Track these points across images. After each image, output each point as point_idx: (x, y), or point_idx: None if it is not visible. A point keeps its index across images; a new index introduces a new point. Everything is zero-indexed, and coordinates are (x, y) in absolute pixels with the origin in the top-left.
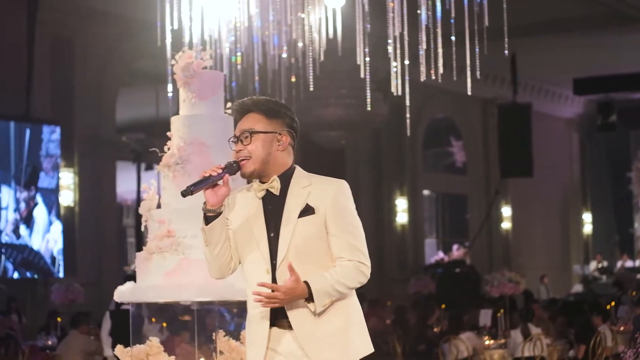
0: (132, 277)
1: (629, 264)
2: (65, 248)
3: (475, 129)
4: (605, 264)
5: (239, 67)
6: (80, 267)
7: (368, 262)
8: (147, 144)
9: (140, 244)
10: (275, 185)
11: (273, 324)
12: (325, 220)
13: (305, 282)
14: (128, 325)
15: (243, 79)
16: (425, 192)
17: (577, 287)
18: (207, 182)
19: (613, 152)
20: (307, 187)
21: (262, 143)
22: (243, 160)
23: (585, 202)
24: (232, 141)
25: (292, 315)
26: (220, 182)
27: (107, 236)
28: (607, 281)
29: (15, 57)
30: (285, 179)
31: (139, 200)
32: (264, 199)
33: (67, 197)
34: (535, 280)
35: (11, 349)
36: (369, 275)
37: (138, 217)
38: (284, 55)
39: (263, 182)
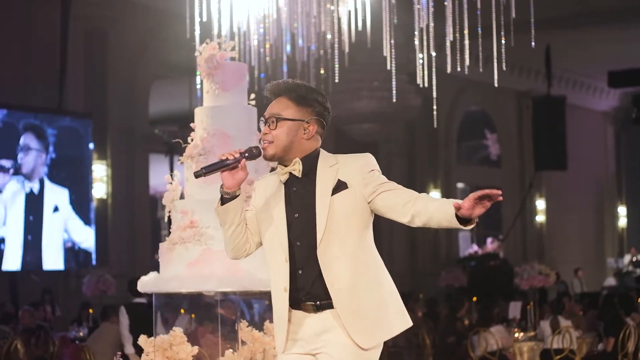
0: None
1: None
2: (97, 240)
3: (509, 122)
4: (636, 257)
5: (267, 59)
6: (112, 259)
7: None
8: (180, 136)
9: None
10: (297, 168)
11: (296, 307)
12: (363, 191)
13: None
14: (145, 319)
15: (271, 71)
16: (459, 184)
17: (610, 281)
18: (220, 166)
19: None
20: (334, 165)
21: (287, 130)
22: (265, 143)
23: (620, 195)
24: (261, 122)
25: (334, 290)
26: (238, 166)
27: (139, 228)
28: None
29: (49, 51)
30: (309, 161)
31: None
32: (287, 182)
33: (100, 190)
34: (569, 274)
35: (41, 339)
36: None
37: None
38: (313, 47)
39: (285, 166)
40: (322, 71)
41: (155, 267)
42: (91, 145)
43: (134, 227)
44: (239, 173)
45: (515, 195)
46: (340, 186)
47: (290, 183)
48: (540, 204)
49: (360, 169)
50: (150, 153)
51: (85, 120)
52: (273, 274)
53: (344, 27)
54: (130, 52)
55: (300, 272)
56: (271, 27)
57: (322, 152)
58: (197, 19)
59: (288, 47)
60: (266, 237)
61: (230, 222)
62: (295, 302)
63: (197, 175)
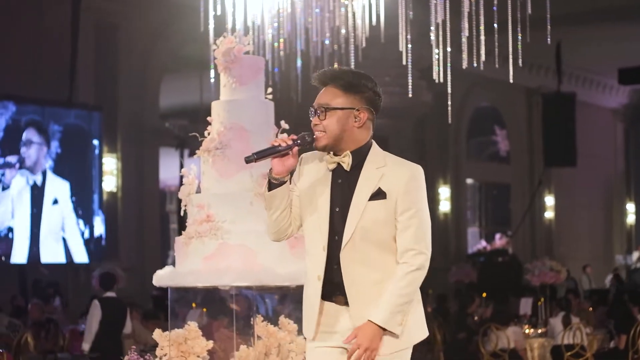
0: None
1: None
2: (107, 233)
3: (519, 118)
4: None
5: (281, 53)
6: (122, 253)
7: (429, 252)
8: (190, 130)
9: (182, 229)
10: (346, 161)
11: (328, 299)
12: (396, 205)
13: (369, 321)
14: (117, 314)
15: (285, 65)
16: (469, 180)
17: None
18: (272, 152)
19: None
20: (381, 167)
21: (338, 119)
22: (318, 134)
23: (629, 192)
24: (311, 112)
25: (351, 294)
26: (289, 153)
27: (149, 222)
28: None
29: (60, 44)
30: (359, 155)
31: (181, 185)
32: (334, 171)
33: (110, 183)
34: (578, 270)
35: (51, 333)
36: (427, 266)
37: (179, 204)
38: (327, 41)
39: (336, 155)
40: (335, 66)
41: (165, 261)
42: (95, 142)
43: (143, 221)
44: (290, 160)
45: (524, 192)
46: (379, 194)
47: (337, 173)
48: (550, 200)
49: (405, 183)
50: (160, 147)
51: (90, 116)
52: (310, 261)
53: (358, 22)
54: (141, 45)
55: (335, 266)
56: (285, 22)
57: (373, 148)
58: (211, 13)
59: (302, 43)
60: (308, 223)
61: (276, 207)
62: (328, 294)
63: (249, 160)
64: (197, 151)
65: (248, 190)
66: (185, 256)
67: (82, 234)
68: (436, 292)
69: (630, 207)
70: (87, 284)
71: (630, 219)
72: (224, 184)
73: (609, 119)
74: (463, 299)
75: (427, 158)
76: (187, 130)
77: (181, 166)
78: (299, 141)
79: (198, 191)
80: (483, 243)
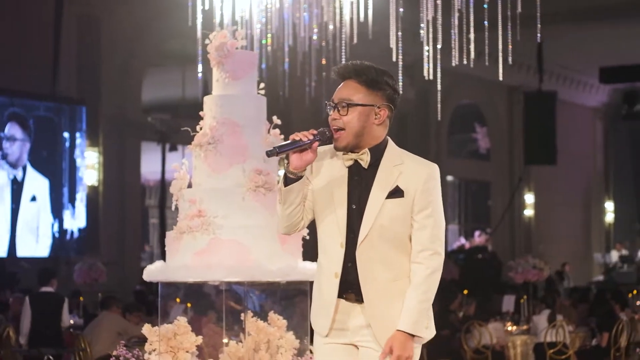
0: None
1: None
2: (88, 227)
3: (500, 116)
4: (625, 252)
5: (269, 48)
6: (103, 247)
7: (443, 251)
8: (172, 124)
9: (163, 224)
10: (365, 159)
11: (340, 296)
12: (413, 204)
13: (399, 331)
14: (51, 308)
15: (273, 61)
16: (449, 177)
17: (598, 276)
18: (294, 146)
19: (637, 142)
20: (398, 165)
21: (359, 115)
22: (337, 130)
23: (607, 190)
24: (329, 106)
25: (366, 292)
26: (308, 148)
27: (130, 216)
28: (628, 270)
29: (43, 37)
30: (377, 152)
31: (163, 180)
32: (350, 168)
33: (92, 177)
34: (557, 268)
35: None
36: (442, 266)
37: (161, 198)
38: (315, 37)
39: (353, 152)
40: (323, 62)
41: (144, 257)
42: (66, 135)
43: (124, 215)
44: (309, 154)
45: (504, 189)
46: (397, 192)
47: (353, 170)
48: (529, 198)
49: (423, 181)
50: (142, 141)
51: (60, 109)
52: (325, 257)
53: (346, 18)
54: (124, 39)
55: (349, 264)
56: (273, 18)
57: (390, 145)
58: (199, 8)
59: (289, 39)
60: (324, 219)
61: (291, 202)
62: (340, 292)
63: (270, 154)
64: (180, 146)
65: (240, 186)
66: (176, 251)
67: (52, 226)
68: None
69: (609, 205)
70: (67, 278)
71: (609, 217)
72: (215, 179)
73: (588, 118)
74: (446, 295)
75: (403, 149)
76: (169, 124)
77: (163, 160)
78: (319, 136)
79: (189, 186)
80: (462, 240)
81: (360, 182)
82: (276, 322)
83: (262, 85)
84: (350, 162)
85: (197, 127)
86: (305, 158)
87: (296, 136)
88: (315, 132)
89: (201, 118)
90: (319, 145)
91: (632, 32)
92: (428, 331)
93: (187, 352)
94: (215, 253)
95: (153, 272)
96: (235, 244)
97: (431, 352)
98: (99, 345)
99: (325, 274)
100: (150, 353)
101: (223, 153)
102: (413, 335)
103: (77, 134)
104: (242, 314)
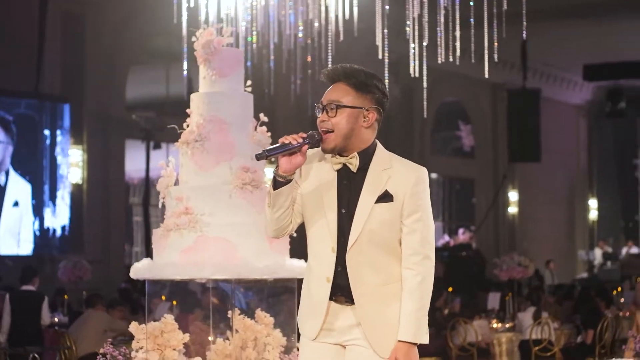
0: None
1: (634, 250)
2: (72, 225)
3: (484, 114)
4: (609, 249)
5: (254, 46)
6: (87, 245)
7: (433, 255)
8: (157, 122)
9: (147, 222)
10: (353, 162)
11: (331, 298)
12: (402, 208)
13: (401, 342)
14: (30, 307)
15: (258, 58)
16: (433, 175)
17: (582, 273)
18: (283, 149)
19: (620, 139)
20: (387, 169)
21: (347, 118)
22: (326, 132)
23: (591, 188)
24: (318, 108)
25: (356, 295)
26: (297, 151)
27: (114, 214)
28: (612, 267)
29: (27, 34)
30: (366, 156)
31: (147, 178)
32: (339, 171)
33: (76, 175)
34: (541, 266)
35: None
36: (433, 270)
37: (145, 196)
38: (300, 34)
39: (342, 156)
40: (309, 59)
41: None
42: (47, 132)
43: (109, 213)
44: (298, 158)
45: (488, 187)
46: (386, 196)
47: (342, 174)
48: (513, 195)
49: (411, 185)
50: (126, 139)
51: (42, 106)
52: (316, 261)
53: (332, 15)
54: (108, 36)
55: (339, 268)
56: (258, 15)
57: (378, 149)
58: (184, 5)
59: (275, 36)
60: (314, 223)
61: (280, 206)
62: (331, 294)
63: (259, 157)
64: (163, 143)
65: (227, 183)
66: (163, 248)
67: (33, 224)
68: None
69: (593, 203)
70: (52, 276)
71: (593, 214)
72: (202, 177)
73: (572, 115)
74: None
75: (392, 152)
76: (154, 122)
77: (147, 158)
78: (308, 140)
79: (176, 183)
80: (446, 238)
81: (349, 186)
82: (263, 320)
83: (248, 82)
84: (339, 166)
85: (184, 125)
86: (294, 161)
87: (285, 139)
88: (304, 135)
89: (187, 115)
90: (308, 149)
91: (615, 30)
92: (427, 335)
93: (174, 349)
94: (203, 250)
95: (140, 269)
96: (223, 241)
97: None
98: (84, 343)
99: (316, 278)
100: (137, 351)
101: (210, 150)
102: (415, 344)
103: (58, 132)
104: (230, 312)
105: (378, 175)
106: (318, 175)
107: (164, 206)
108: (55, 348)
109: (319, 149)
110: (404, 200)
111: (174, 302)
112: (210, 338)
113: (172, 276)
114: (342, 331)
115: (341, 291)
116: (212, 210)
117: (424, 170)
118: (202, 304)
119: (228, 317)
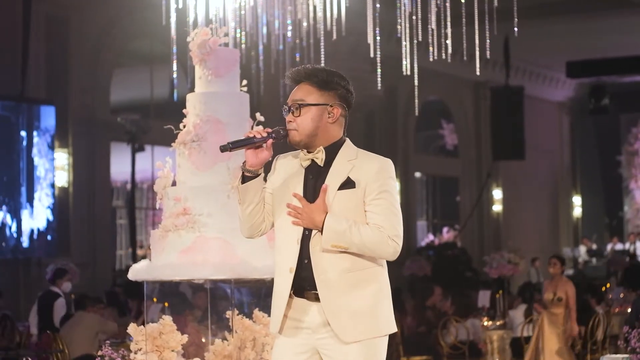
0: None
1: (618, 246)
2: (58, 228)
3: (467, 112)
4: (593, 246)
5: (243, 46)
6: (73, 248)
7: (399, 241)
8: (142, 124)
9: (132, 225)
10: (319, 157)
11: (299, 294)
12: (365, 195)
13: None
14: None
15: (247, 59)
16: (417, 174)
17: (567, 271)
18: (247, 143)
19: (603, 136)
20: (352, 160)
21: (312, 115)
22: (292, 131)
23: (575, 185)
24: (285, 109)
25: (320, 283)
26: (263, 145)
27: (100, 217)
28: (597, 264)
29: (11, 37)
30: (332, 150)
31: (133, 181)
32: (307, 168)
33: (61, 178)
34: (526, 264)
35: (7, 329)
36: (395, 255)
37: (131, 199)
38: (289, 34)
39: (310, 152)
40: (297, 59)
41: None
42: (23, 133)
43: (94, 216)
44: (264, 152)
45: (472, 185)
46: (348, 183)
47: (310, 169)
48: (497, 193)
49: (374, 173)
50: (111, 141)
51: (18, 108)
52: (280, 254)
53: (320, 15)
54: (92, 39)
55: (306, 261)
56: (247, 15)
57: (346, 143)
58: (172, 6)
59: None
60: (280, 218)
61: (249, 201)
62: (299, 290)
63: (224, 149)
64: (147, 145)
65: (225, 183)
66: (161, 249)
67: (9, 227)
68: (391, 286)
69: (577, 200)
70: (40, 279)
71: (577, 211)
72: (200, 177)
73: (555, 113)
74: (422, 292)
75: (376, 151)
76: (139, 124)
77: (133, 160)
78: (273, 134)
79: (174, 184)
80: (431, 236)
81: (315, 180)
82: (262, 320)
83: (244, 82)
84: (308, 162)
85: (181, 125)
86: (260, 156)
87: (250, 133)
88: (269, 130)
89: (172, 117)
90: (274, 143)
91: (598, 27)
92: (388, 326)
93: (172, 351)
94: (201, 251)
95: (138, 271)
96: (221, 241)
97: (408, 349)
98: (77, 346)
99: (280, 271)
100: (136, 352)
101: (207, 151)
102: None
103: (35, 133)
104: (227, 312)
105: (342, 165)
106: (287, 173)
107: (155, 209)
108: (48, 351)
109: (294, 152)
110: (366, 186)
111: (166, 304)
112: (204, 340)
113: (171, 277)
114: (314, 329)
115: (308, 284)
116: (210, 211)
117: (388, 161)
118: (193, 305)
119: (225, 317)
